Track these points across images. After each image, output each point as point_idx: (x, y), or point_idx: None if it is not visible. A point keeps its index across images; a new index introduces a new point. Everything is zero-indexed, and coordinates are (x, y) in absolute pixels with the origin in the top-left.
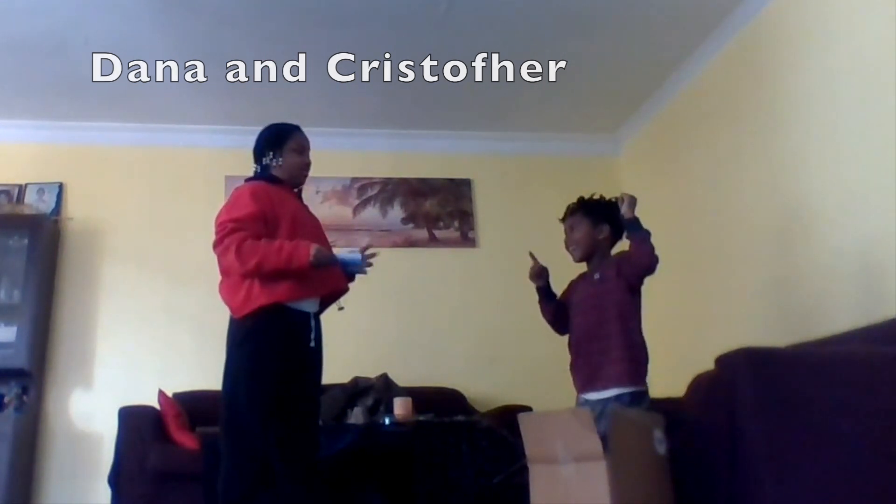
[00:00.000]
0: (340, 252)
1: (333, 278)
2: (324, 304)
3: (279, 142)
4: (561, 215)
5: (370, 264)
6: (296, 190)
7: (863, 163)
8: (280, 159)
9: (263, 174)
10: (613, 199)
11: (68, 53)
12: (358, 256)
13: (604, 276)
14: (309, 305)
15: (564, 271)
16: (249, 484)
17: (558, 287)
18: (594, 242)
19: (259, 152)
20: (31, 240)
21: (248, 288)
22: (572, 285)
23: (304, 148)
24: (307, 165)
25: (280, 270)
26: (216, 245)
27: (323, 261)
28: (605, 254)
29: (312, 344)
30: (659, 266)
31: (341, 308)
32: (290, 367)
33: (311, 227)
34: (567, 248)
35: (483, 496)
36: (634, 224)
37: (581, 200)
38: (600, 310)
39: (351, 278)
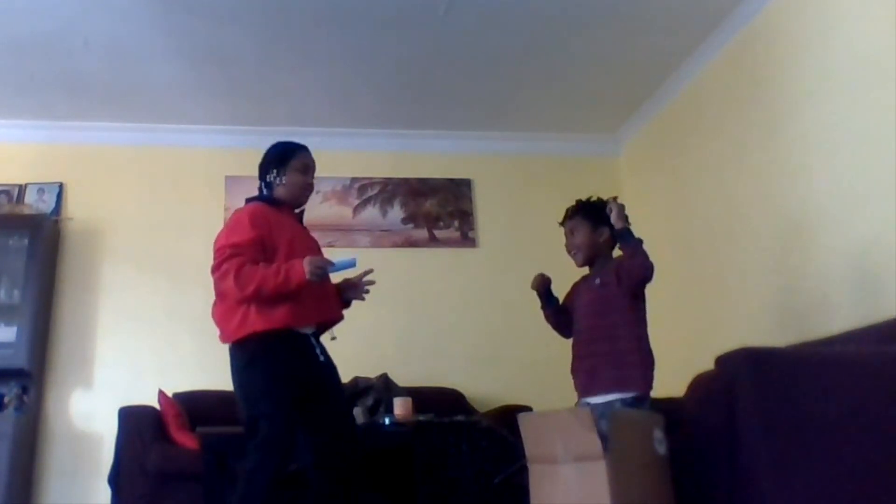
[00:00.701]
0: (337, 259)
1: (328, 307)
2: (319, 332)
3: (284, 160)
4: (560, 217)
5: (367, 291)
6: (297, 211)
7: (862, 163)
8: (283, 178)
9: (264, 195)
10: (608, 200)
11: (68, 53)
12: (352, 259)
13: (604, 281)
14: (306, 329)
15: (565, 271)
16: (271, 489)
17: (562, 289)
18: (595, 245)
19: (263, 169)
20: (31, 240)
21: (243, 313)
22: (575, 288)
23: (308, 168)
24: (310, 186)
25: (279, 292)
26: (214, 270)
27: (318, 269)
28: (607, 256)
29: (322, 358)
30: (657, 269)
31: (333, 338)
32: (304, 379)
33: (307, 250)
34: (568, 252)
35: (483, 496)
36: (625, 233)
37: (579, 203)
38: (601, 315)
39: (346, 305)
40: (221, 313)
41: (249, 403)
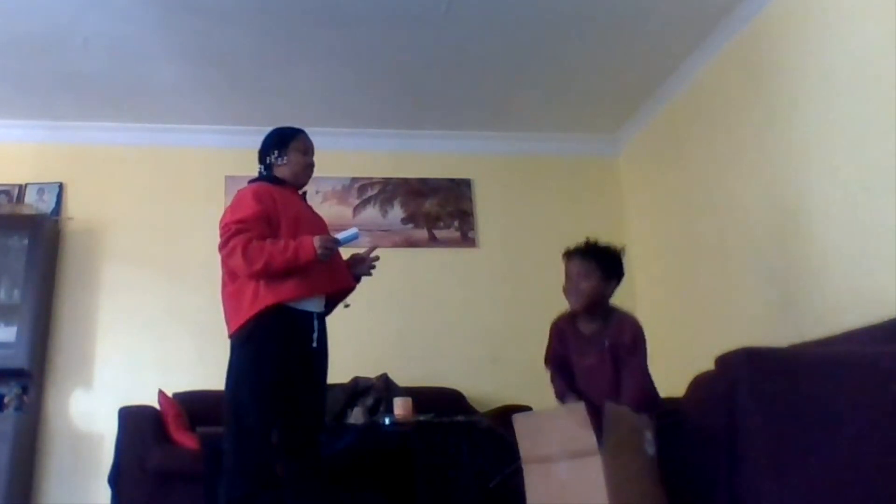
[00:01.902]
0: (340, 234)
1: (340, 277)
2: (331, 304)
3: (284, 142)
4: (559, 215)
5: (374, 266)
6: (301, 192)
7: (862, 162)
8: (284, 158)
9: (267, 175)
10: (619, 249)
11: (68, 53)
12: (353, 231)
13: (615, 342)
14: (313, 305)
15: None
16: (252, 484)
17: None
18: (601, 297)
19: (264, 153)
20: (31, 240)
21: (254, 289)
22: (569, 337)
23: (308, 149)
24: (311, 166)
25: (288, 268)
26: (221, 247)
27: (328, 248)
28: (607, 308)
29: (314, 345)
30: (657, 268)
31: (347, 305)
32: (290, 368)
33: (313, 228)
34: (567, 292)
35: (483, 496)
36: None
37: (595, 249)
38: (613, 373)
39: (357, 279)
40: (232, 293)
41: (234, 386)
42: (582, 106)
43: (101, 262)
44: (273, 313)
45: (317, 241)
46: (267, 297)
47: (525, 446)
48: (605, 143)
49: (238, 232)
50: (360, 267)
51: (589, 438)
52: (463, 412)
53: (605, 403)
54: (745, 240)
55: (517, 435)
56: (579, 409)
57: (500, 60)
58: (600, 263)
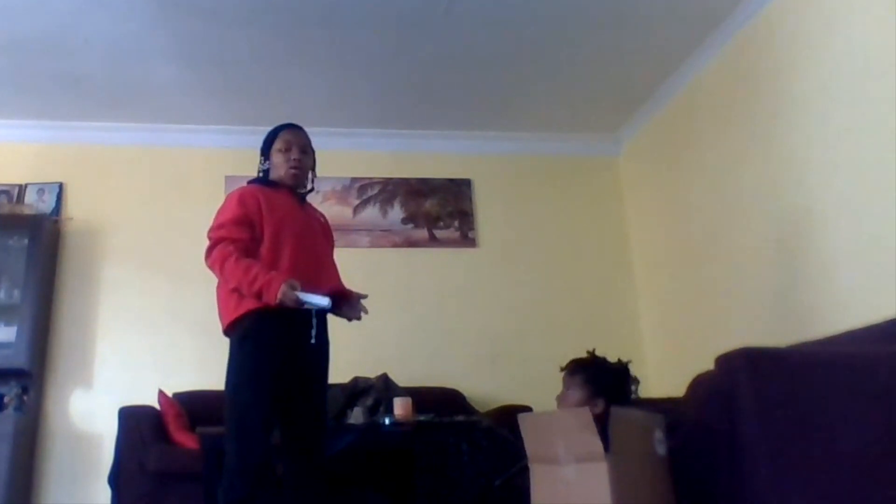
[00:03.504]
0: (307, 296)
1: (327, 282)
2: (333, 303)
3: (268, 143)
4: (560, 215)
5: (359, 318)
6: (302, 191)
7: (862, 162)
8: (269, 160)
9: (262, 177)
10: (621, 365)
11: (68, 53)
12: (325, 302)
13: None
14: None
15: (563, 272)
16: (252, 485)
17: (564, 297)
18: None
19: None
20: (31, 240)
21: (239, 294)
22: None
23: (290, 145)
24: (295, 162)
25: (253, 298)
26: (206, 256)
27: (288, 304)
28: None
29: (313, 341)
30: (657, 268)
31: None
32: (288, 366)
33: (296, 234)
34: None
35: (483, 496)
36: None
37: (585, 364)
38: None
39: (337, 312)
40: (224, 294)
41: (233, 386)
42: (582, 106)
43: (101, 262)
44: (269, 312)
45: (282, 291)
46: (250, 301)
47: (531, 446)
48: (605, 142)
49: (218, 241)
50: (348, 310)
51: (595, 443)
52: (463, 412)
53: (612, 408)
54: (746, 239)
55: (523, 435)
56: (585, 413)
57: (500, 60)
58: (587, 379)
